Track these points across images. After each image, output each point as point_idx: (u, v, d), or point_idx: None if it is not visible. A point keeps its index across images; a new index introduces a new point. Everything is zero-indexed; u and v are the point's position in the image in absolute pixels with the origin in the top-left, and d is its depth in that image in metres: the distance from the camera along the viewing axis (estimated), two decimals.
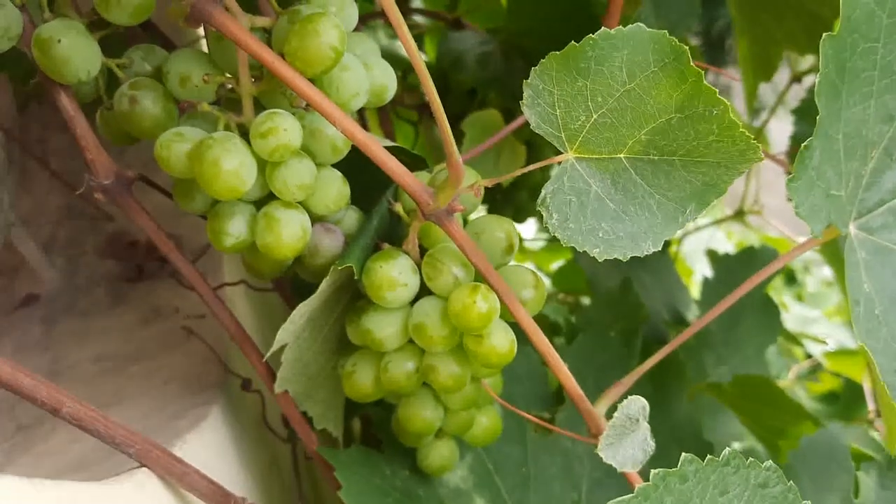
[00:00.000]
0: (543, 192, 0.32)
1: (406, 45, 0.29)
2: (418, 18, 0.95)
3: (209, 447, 0.41)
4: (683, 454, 0.26)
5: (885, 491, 0.60)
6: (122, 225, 0.65)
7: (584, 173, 0.33)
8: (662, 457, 0.37)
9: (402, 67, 0.85)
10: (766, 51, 0.66)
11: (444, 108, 0.85)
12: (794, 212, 0.33)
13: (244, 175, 0.32)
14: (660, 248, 0.32)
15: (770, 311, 0.77)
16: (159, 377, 0.51)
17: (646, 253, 0.32)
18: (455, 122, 0.81)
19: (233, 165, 0.32)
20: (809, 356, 1.22)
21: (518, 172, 0.34)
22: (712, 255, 0.92)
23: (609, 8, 0.49)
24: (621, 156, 0.32)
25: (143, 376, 0.51)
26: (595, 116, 0.32)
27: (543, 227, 0.32)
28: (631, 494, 0.25)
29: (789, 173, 0.33)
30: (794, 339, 1.06)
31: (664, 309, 0.85)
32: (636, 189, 0.32)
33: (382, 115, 0.74)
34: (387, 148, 0.39)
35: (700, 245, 1.13)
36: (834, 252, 0.82)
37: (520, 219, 0.76)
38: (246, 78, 0.34)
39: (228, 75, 0.35)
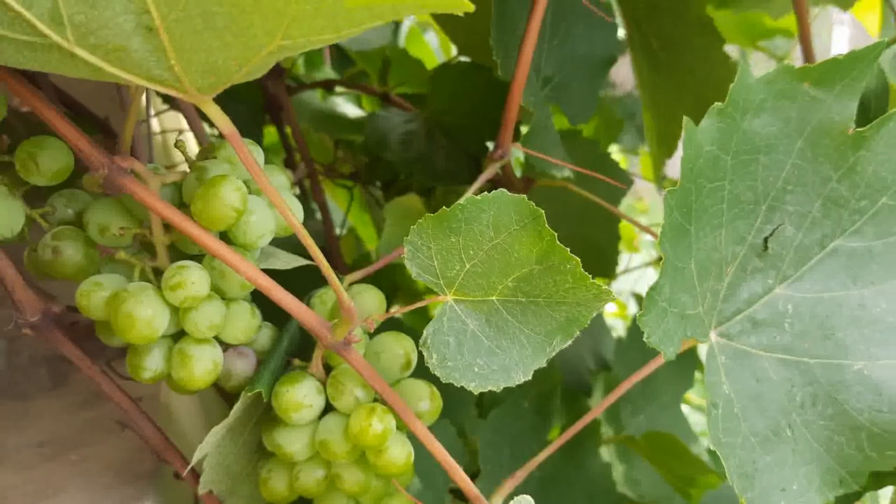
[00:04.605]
0: (425, 333, 0.36)
1: (279, 207, 0.32)
2: None
3: None
4: None
5: None
6: (64, 304, 0.68)
7: (462, 313, 0.37)
8: None
9: (340, 131, 0.89)
10: (667, 126, 0.71)
11: (374, 175, 0.87)
12: (645, 341, 0.37)
13: (156, 324, 0.36)
14: (529, 378, 0.37)
15: (684, 358, 0.82)
16: (95, 466, 0.54)
17: (517, 383, 0.37)
18: (385, 189, 0.85)
19: (146, 315, 0.36)
20: None
21: (401, 310, 0.38)
22: (638, 299, 0.97)
23: (508, 99, 0.52)
24: (493, 298, 0.37)
25: (80, 464, 0.54)
26: (468, 266, 0.36)
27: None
28: None
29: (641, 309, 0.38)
30: None
31: (589, 355, 0.89)
32: (508, 326, 0.37)
33: (315, 186, 0.78)
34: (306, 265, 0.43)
35: (636, 283, 1.19)
36: None
37: None
38: (159, 230, 0.38)
39: (144, 225, 0.39)
